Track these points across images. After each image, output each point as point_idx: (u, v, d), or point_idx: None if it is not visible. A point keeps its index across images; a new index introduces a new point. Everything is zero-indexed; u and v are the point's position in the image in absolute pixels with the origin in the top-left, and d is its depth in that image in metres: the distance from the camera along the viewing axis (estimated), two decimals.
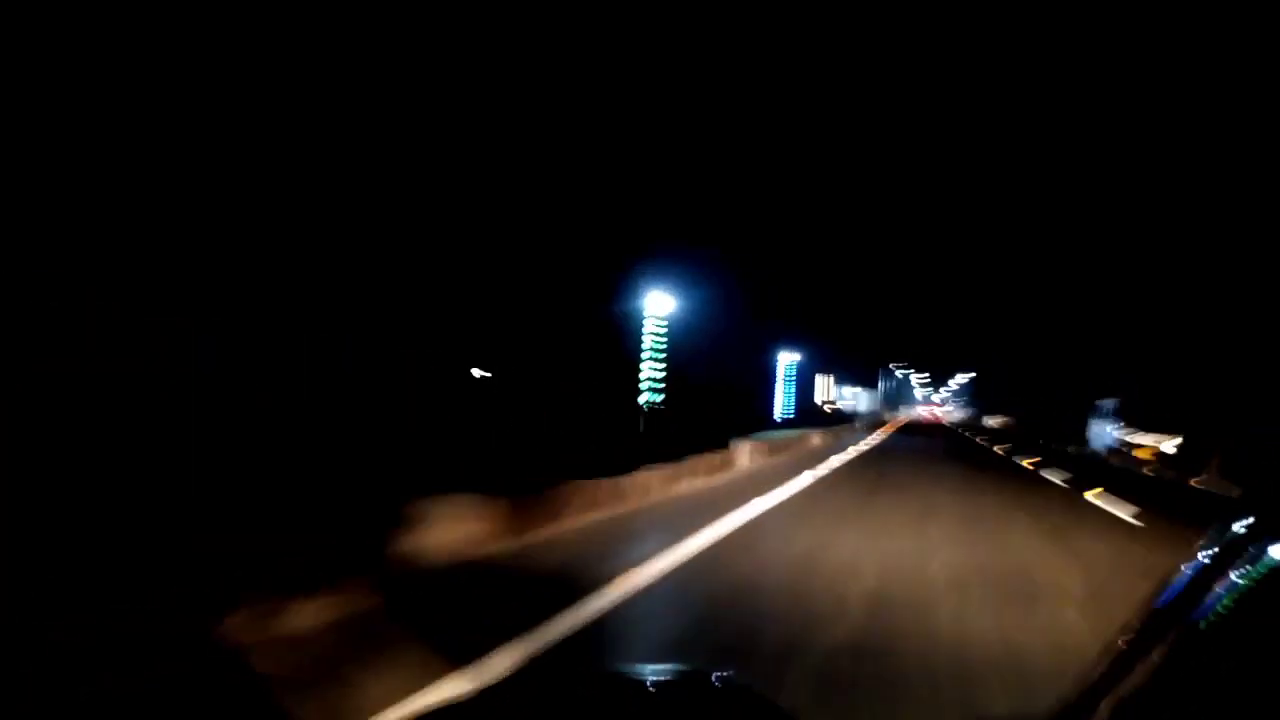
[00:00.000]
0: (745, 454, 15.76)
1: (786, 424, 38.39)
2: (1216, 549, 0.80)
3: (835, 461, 18.53)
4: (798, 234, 66.97)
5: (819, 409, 78.14)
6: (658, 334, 30.25)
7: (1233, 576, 0.74)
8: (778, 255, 64.29)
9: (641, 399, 30.11)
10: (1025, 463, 21.81)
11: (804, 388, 73.64)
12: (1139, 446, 26.35)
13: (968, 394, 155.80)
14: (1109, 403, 28.50)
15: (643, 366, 30.29)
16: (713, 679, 0.94)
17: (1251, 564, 0.73)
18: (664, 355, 30.43)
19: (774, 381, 61.06)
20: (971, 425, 76.39)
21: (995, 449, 28.66)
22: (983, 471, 18.32)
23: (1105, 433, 28.01)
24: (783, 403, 60.50)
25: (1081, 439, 32.40)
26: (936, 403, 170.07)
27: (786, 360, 60.81)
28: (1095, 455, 29.22)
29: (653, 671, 1.15)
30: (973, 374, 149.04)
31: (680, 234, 34.40)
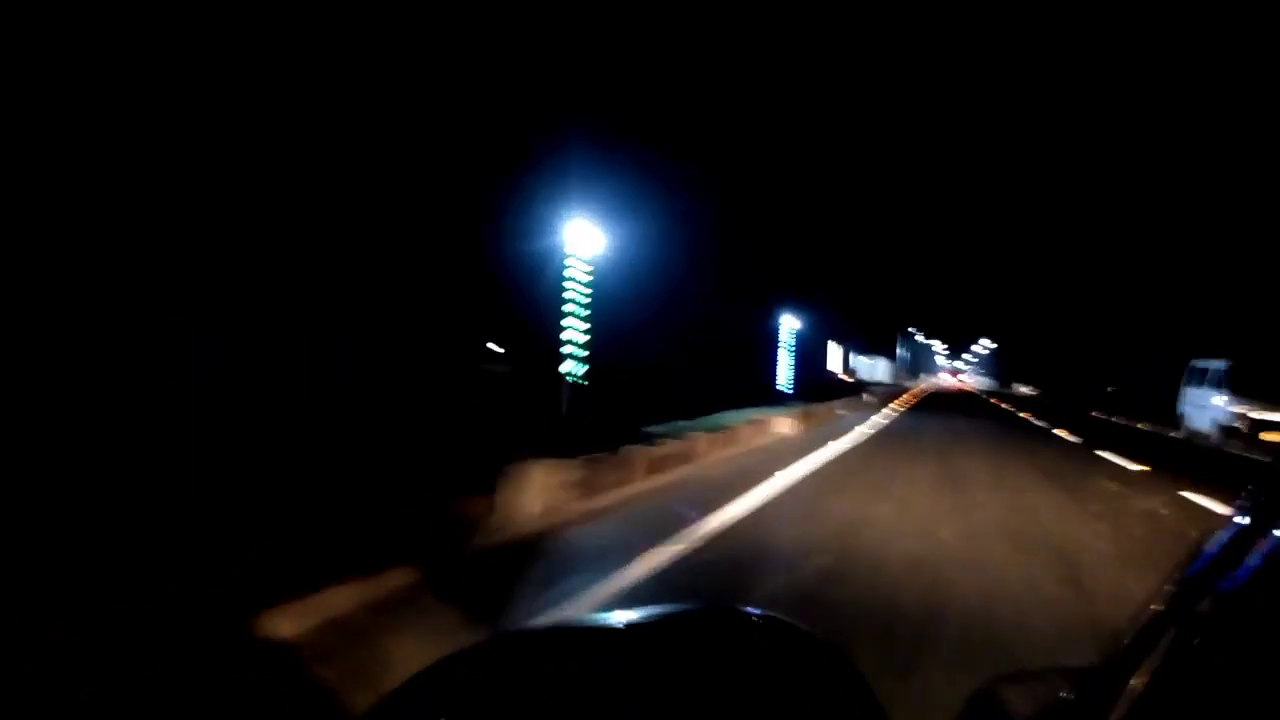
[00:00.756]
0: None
1: (777, 399, 30.24)
2: (1251, 514, 0.77)
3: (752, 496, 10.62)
4: (805, 186, 59.83)
5: (830, 379, 72.38)
6: (580, 281, 22.17)
7: (1268, 544, 0.72)
8: (778, 203, 56.35)
9: (566, 367, 22.17)
10: (1132, 467, 13.70)
11: (812, 355, 66.18)
12: (1272, 425, 18.12)
13: (989, 362, 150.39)
14: (1215, 365, 20.21)
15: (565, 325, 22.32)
16: (750, 614, 0.91)
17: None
18: (588, 311, 22.37)
19: (776, 348, 53.39)
20: (1003, 395, 70.99)
21: (1068, 437, 20.55)
22: (1082, 491, 10.86)
23: (1211, 406, 19.78)
24: (786, 373, 53.05)
25: (1166, 414, 24.49)
26: (962, 368, 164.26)
27: (789, 325, 53.03)
28: (1197, 438, 20.97)
29: (682, 609, 1.01)
30: (993, 344, 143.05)
31: (622, 135, 26.24)
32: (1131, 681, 0.73)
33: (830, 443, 14.03)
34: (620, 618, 0.89)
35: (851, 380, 77.48)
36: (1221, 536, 0.79)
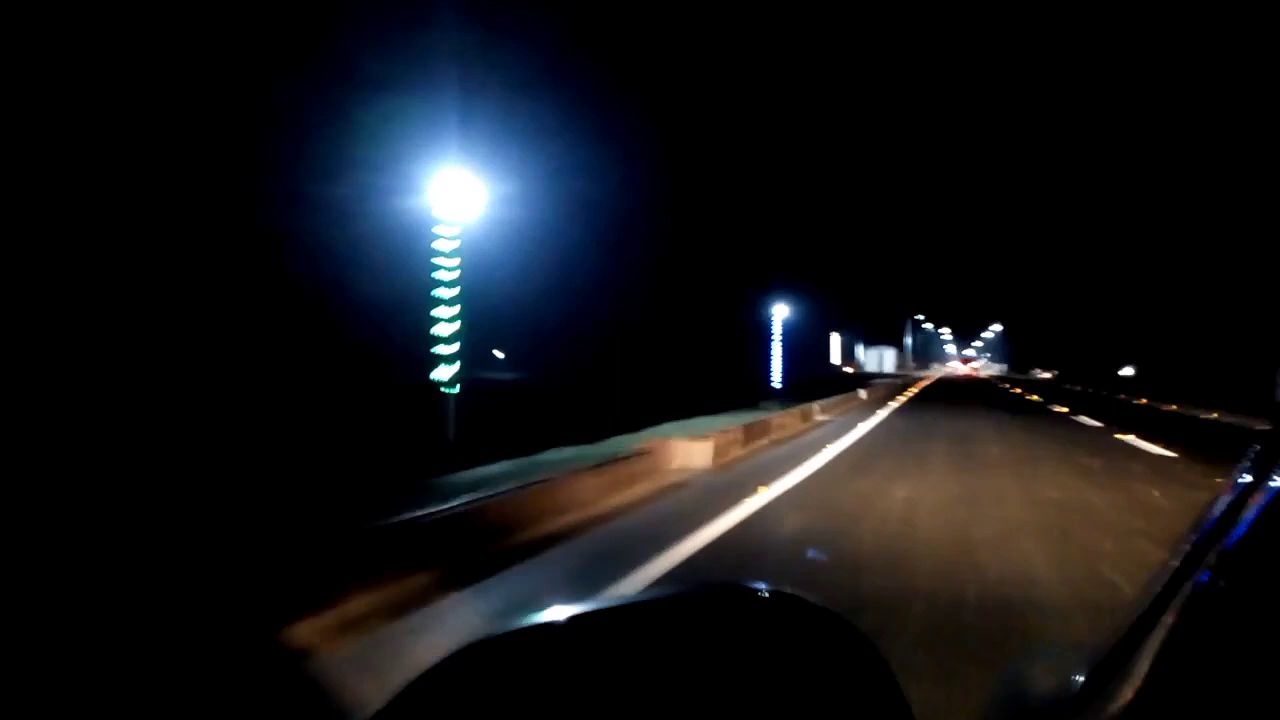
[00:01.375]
0: None
1: (751, 400, 24.61)
2: (1251, 477, 0.79)
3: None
4: (800, 166, 55.47)
5: (834, 372, 67.99)
6: (446, 253, 16.73)
7: (1264, 496, 0.74)
8: (763, 179, 50.85)
9: (439, 373, 16.69)
10: None
11: (811, 348, 60.91)
12: None
13: (999, 346, 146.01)
14: None
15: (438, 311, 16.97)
16: (760, 591, 0.89)
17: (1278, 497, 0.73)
18: (456, 296, 16.88)
19: (767, 341, 47.81)
20: (1022, 382, 63.04)
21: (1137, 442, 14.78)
22: None
23: None
24: (780, 367, 47.60)
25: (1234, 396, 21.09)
26: (973, 355, 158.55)
27: (780, 315, 47.51)
28: None
29: (691, 589, 1.08)
30: (1001, 328, 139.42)
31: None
32: (1143, 654, 0.73)
33: (758, 492, 8.21)
34: (617, 602, 0.90)
35: (854, 373, 73.45)
36: (1225, 499, 0.80)
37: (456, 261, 16.60)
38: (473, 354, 18.23)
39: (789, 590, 0.87)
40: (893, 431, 16.29)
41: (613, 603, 0.87)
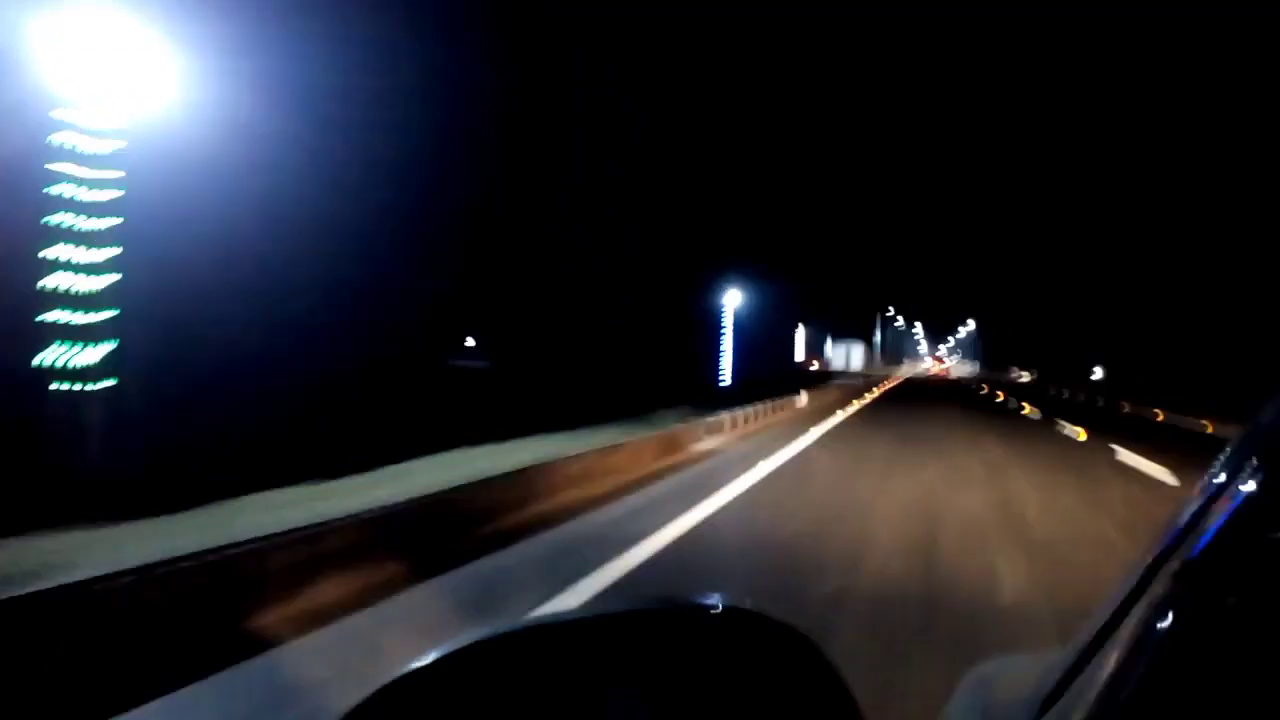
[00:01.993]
0: None
1: (670, 404, 18.59)
2: (1215, 488, 0.79)
3: None
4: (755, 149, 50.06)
5: (801, 369, 63.40)
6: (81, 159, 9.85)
7: (1227, 516, 0.73)
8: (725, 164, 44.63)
9: (47, 356, 9.87)
10: None
11: (771, 343, 55.07)
12: None
13: (972, 346, 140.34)
14: None
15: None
16: (715, 606, 0.89)
17: (1245, 502, 0.73)
18: (107, 231, 10.21)
19: (716, 335, 41.72)
20: (1001, 384, 56.58)
21: None
22: None
23: None
24: (730, 363, 41.68)
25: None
26: (945, 354, 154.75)
27: (731, 305, 41.50)
28: None
29: (647, 604, 1.01)
30: (976, 326, 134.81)
31: None
32: (1107, 661, 0.73)
33: None
34: (568, 616, 0.92)
35: (819, 370, 68.52)
36: (1192, 506, 0.80)
37: (109, 175, 10.08)
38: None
39: (744, 606, 0.85)
40: (824, 459, 10.58)
41: (570, 616, 0.88)
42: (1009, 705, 0.96)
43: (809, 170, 69.20)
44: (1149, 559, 0.79)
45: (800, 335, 74.49)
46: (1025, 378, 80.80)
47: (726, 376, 39.80)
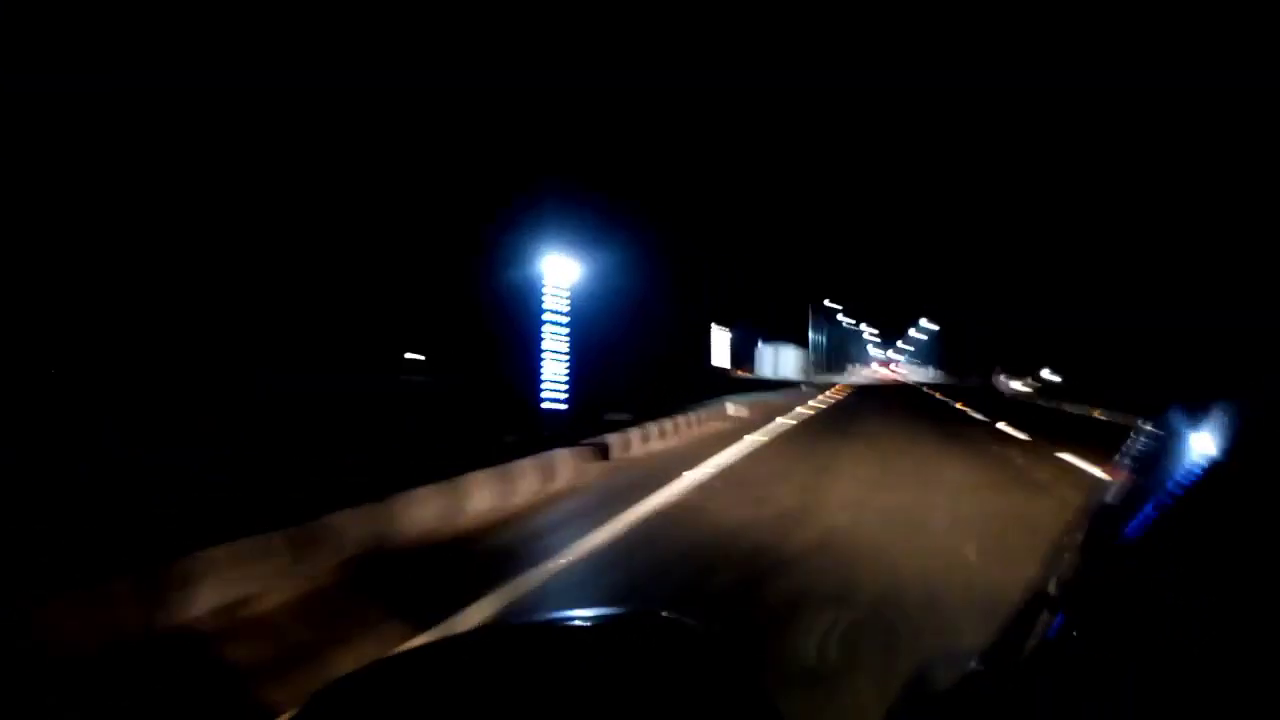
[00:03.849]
0: None
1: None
2: (1139, 456, 0.79)
3: None
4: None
5: (722, 377, 50.59)
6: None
7: (1154, 486, 0.72)
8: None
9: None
10: None
11: (677, 344, 46.61)
12: None
13: (928, 350, 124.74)
14: None
15: None
16: (634, 614, 0.89)
17: (1172, 470, 0.71)
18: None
19: (535, 328, 27.23)
20: (988, 403, 39.16)
21: None
22: None
23: None
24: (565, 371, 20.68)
25: None
26: (897, 358, 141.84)
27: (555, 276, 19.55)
28: None
29: (593, 618, 0.99)
30: (934, 326, 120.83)
31: None
32: (1028, 647, 0.77)
33: None
34: (525, 621, 0.80)
35: (746, 377, 59.05)
36: (1103, 496, 0.80)
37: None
38: None
39: (667, 613, 0.90)
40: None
41: (522, 622, 0.98)
42: (948, 692, 0.99)
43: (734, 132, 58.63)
44: (1073, 541, 0.80)
45: (721, 338, 62.01)
46: (1019, 388, 56.32)
47: (558, 395, 21.55)
